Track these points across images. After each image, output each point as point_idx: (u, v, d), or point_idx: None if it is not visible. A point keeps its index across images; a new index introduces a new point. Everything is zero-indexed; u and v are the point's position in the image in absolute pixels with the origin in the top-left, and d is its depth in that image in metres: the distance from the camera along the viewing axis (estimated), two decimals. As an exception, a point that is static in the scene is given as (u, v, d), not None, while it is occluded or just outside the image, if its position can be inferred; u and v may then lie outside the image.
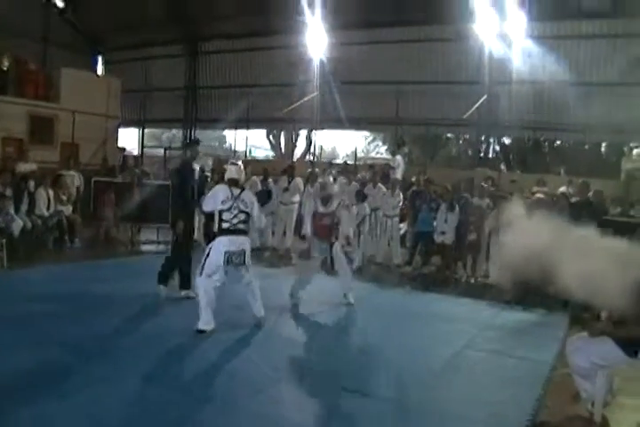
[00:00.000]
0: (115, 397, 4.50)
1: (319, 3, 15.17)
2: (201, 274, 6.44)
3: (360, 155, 26.65)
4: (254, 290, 6.75)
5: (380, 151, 31.13)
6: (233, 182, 6.68)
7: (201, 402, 4.56)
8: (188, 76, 21.66)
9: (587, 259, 4.05)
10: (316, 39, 16.17)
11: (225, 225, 6.50)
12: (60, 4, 21.76)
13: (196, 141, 8.83)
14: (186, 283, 7.99)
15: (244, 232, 6.63)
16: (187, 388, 4.86)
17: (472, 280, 10.59)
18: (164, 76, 21.96)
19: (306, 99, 17.86)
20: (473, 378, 5.63)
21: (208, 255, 6.46)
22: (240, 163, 7.06)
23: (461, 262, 10.96)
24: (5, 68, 16.64)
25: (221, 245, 6.43)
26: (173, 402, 4.51)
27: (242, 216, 6.55)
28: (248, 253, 6.62)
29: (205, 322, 6.36)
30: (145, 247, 13.14)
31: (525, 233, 4.56)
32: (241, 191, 6.64)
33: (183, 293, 7.99)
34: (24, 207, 11.73)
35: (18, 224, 10.89)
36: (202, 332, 6.31)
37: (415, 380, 5.44)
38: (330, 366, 5.68)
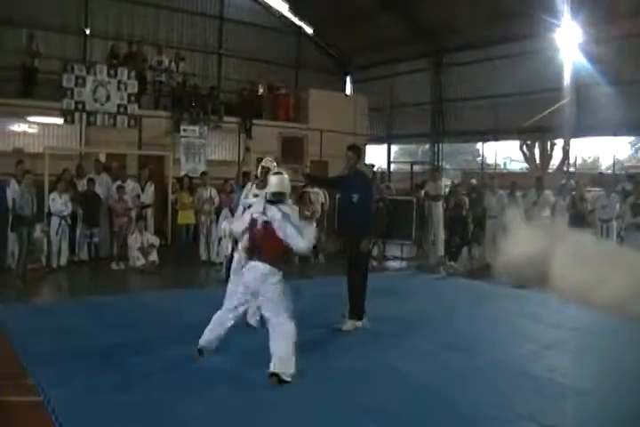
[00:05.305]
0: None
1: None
2: None
3: (628, 164, 24.43)
4: None
5: (651, 158, 28.43)
6: None
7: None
8: (433, 90, 21.40)
9: None
10: (565, 40, 14.84)
11: None
12: (309, 31, 23.08)
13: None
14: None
15: None
16: None
17: None
18: (410, 91, 21.95)
19: (557, 105, 16.55)
20: None
21: None
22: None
23: None
24: (260, 94, 17.90)
25: None
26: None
27: None
28: None
29: None
30: (390, 264, 13.35)
31: None
32: None
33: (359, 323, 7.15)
34: (270, 224, 12.27)
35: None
36: None
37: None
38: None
